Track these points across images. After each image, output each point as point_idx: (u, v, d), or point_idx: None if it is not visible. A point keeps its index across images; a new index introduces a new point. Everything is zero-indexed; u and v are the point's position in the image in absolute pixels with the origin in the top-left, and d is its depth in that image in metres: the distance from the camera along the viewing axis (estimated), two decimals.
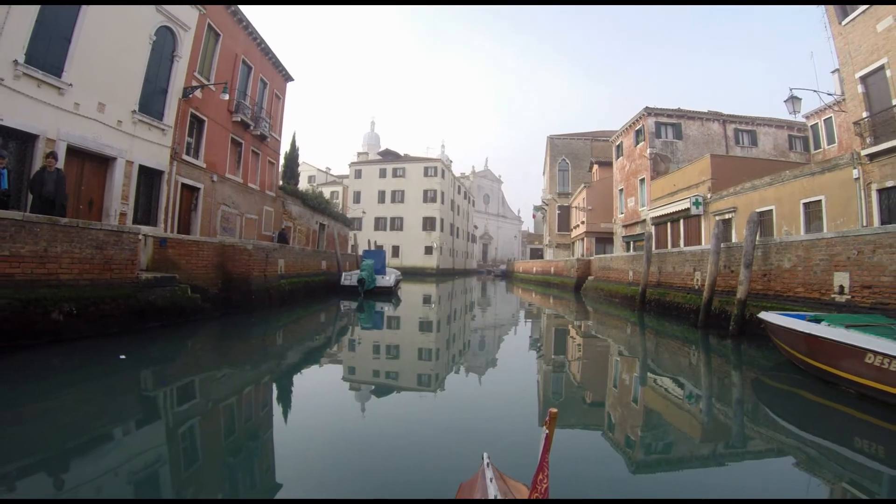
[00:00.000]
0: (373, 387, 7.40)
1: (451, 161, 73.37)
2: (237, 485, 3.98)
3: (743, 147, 31.28)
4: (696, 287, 15.90)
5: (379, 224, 62.13)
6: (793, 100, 18.42)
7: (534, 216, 74.65)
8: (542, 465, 1.93)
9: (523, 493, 2.18)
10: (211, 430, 5.38)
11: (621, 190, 36.65)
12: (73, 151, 13.59)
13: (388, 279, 27.06)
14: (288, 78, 29.16)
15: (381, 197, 63.38)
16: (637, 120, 33.08)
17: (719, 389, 8.10)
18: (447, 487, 3.26)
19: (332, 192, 61.36)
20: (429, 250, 60.15)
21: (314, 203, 33.99)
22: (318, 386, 7.57)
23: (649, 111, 31.60)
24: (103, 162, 14.85)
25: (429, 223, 61.13)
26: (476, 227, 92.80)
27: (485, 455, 2.43)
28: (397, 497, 3.52)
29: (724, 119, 31.72)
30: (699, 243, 22.45)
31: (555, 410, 1.94)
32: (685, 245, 23.97)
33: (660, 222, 28.73)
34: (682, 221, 25.67)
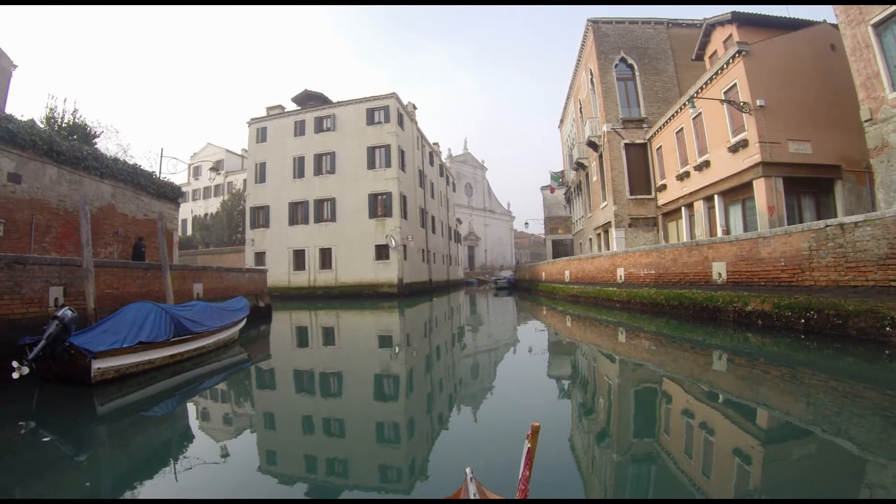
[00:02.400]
0: (355, 400, 6.57)
1: (415, 108, 40.20)
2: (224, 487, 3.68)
3: None
4: None
5: (297, 213, 34.78)
6: None
7: (552, 190, 46.21)
8: (523, 477, 1.85)
9: None
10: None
11: None
12: None
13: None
14: None
15: (299, 167, 35.18)
16: None
17: None
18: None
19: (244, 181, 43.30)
20: (383, 253, 31.99)
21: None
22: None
23: None
24: None
25: (381, 204, 32.88)
26: (459, 220, 64.31)
27: (468, 470, 2.29)
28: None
29: None
30: None
31: (537, 424, 1.84)
32: None
33: None
34: None
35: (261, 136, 37.04)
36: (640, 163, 25.88)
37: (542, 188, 54.83)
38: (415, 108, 40.15)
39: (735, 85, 16.83)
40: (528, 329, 15.06)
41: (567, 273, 26.00)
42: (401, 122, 34.86)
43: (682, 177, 21.37)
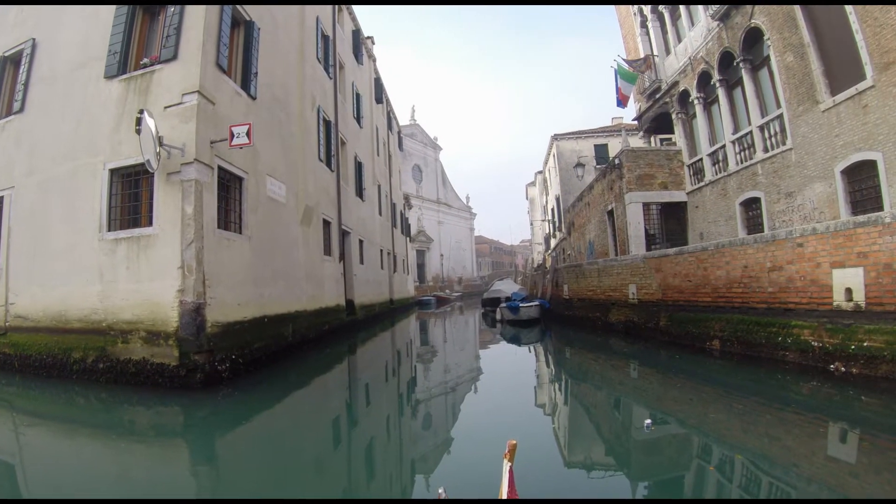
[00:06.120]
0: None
1: (373, 43, 24.21)
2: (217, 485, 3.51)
3: None
4: None
5: None
6: None
7: (622, 101, 15.95)
8: (511, 494, 1.70)
9: None
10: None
11: None
12: None
13: None
14: None
15: None
16: None
17: None
18: None
19: None
20: (132, 208, 7.24)
21: None
22: None
23: None
24: None
25: (140, 27, 7.97)
26: (408, 203, 40.46)
27: (441, 490, 2.11)
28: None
29: None
30: None
31: (513, 441, 1.75)
32: None
33: None
34: None
35: None
36: None
37: (530, 182, 43.52)
38: (373, 43, 24.19)
39: None
40: None
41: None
42: None
43: None
